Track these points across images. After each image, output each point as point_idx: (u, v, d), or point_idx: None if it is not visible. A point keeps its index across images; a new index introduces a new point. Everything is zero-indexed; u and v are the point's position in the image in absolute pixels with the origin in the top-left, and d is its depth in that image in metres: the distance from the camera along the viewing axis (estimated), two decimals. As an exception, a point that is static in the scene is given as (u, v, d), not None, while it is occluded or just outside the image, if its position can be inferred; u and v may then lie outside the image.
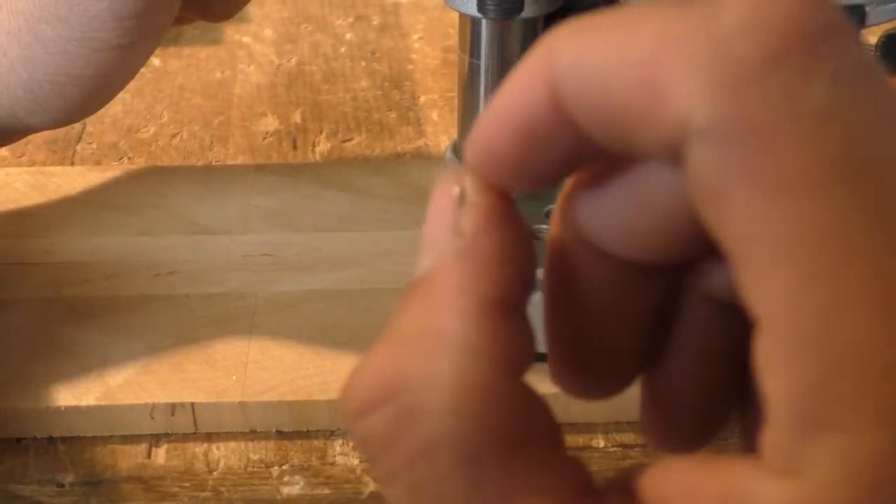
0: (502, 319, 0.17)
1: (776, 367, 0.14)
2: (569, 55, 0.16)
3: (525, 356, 0.17)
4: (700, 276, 0.18)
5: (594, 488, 0.17)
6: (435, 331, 0.17)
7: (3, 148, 0.50)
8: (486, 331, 0.16)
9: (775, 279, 0.14)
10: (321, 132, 0.56)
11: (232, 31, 0.67)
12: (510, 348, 0.17)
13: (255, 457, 0.36)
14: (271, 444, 0.36)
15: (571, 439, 0.36)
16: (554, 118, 0.16)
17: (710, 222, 0.15)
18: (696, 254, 0.18)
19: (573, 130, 0.16)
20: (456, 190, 0.18)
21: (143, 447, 0.36)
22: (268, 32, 0.67)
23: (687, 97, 0.15)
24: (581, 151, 0.17)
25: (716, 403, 0.20)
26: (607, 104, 0.16)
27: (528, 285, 0.18)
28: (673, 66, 0.15)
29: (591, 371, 0.20)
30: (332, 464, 0.36)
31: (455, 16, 0.40)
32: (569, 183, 0.18)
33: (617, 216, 0.18)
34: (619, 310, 0.19)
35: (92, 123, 0.56)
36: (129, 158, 0.53)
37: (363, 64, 0.63)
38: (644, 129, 0.15)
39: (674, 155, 0.15)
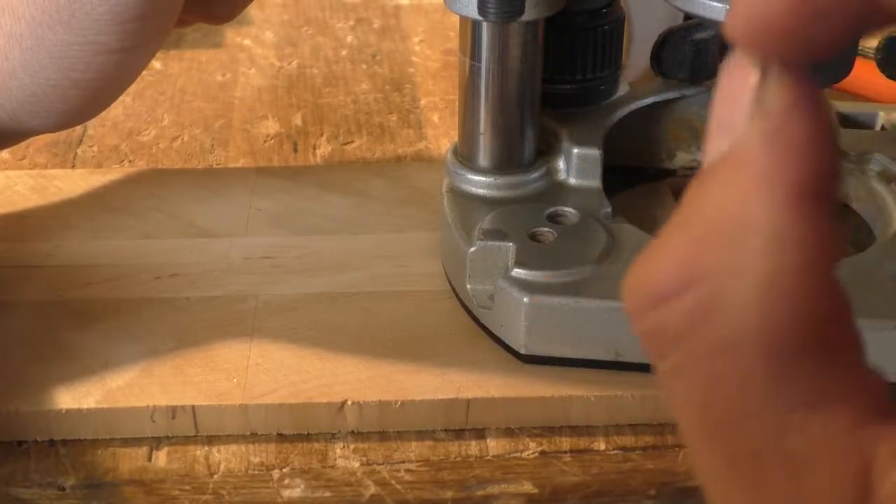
0: (813, 210, 0.16)
1: None
2: None
3: (835, 252, 0.16)
4: None
5: (893, 407, 0.16)
6: (742, 218, 0.16)
7: (4, 151, 0.50)
8: (798, 222, 0.15)
9: None
10: (322, 135, 0.56)
11: (233, 34, 0.67)
12: (822, 242, 0.16)
13: (256, 460, 0.36)
14: (272, 446, 0.36)
15: (571, 442, 0.36)
16: None
17: None
18: None
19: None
20: (756, 69, 0.16)
21: (143, 450, 0.36)
22: (269, 35, 0.67)
23: None
24: (872, 18, 0.16)
25: None
26: None
27: (836, 174, 0.16)
28: None
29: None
30: (333, 467, 0.36)
31: (456, 19, 0.41)
32: None
33: None
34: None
35: (93, 126, 0.56)
36: (130, 161, 0.53)
37: (364, 67, 0.63)
38: None
39: None
